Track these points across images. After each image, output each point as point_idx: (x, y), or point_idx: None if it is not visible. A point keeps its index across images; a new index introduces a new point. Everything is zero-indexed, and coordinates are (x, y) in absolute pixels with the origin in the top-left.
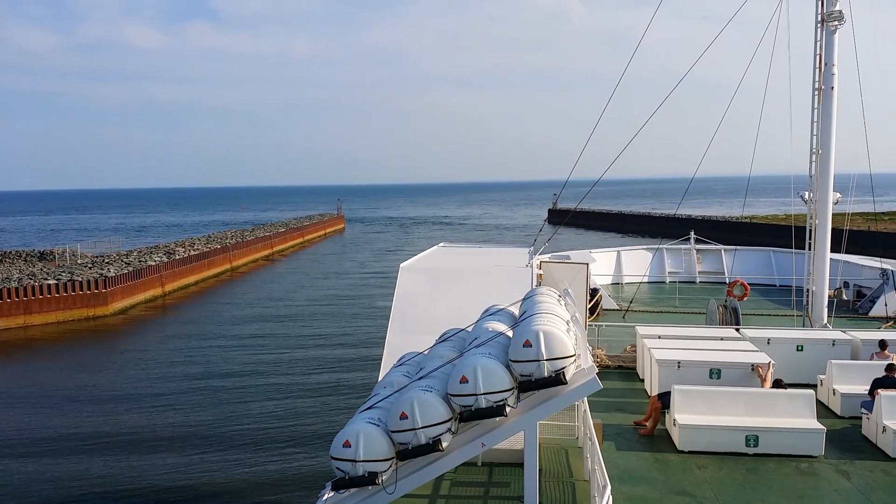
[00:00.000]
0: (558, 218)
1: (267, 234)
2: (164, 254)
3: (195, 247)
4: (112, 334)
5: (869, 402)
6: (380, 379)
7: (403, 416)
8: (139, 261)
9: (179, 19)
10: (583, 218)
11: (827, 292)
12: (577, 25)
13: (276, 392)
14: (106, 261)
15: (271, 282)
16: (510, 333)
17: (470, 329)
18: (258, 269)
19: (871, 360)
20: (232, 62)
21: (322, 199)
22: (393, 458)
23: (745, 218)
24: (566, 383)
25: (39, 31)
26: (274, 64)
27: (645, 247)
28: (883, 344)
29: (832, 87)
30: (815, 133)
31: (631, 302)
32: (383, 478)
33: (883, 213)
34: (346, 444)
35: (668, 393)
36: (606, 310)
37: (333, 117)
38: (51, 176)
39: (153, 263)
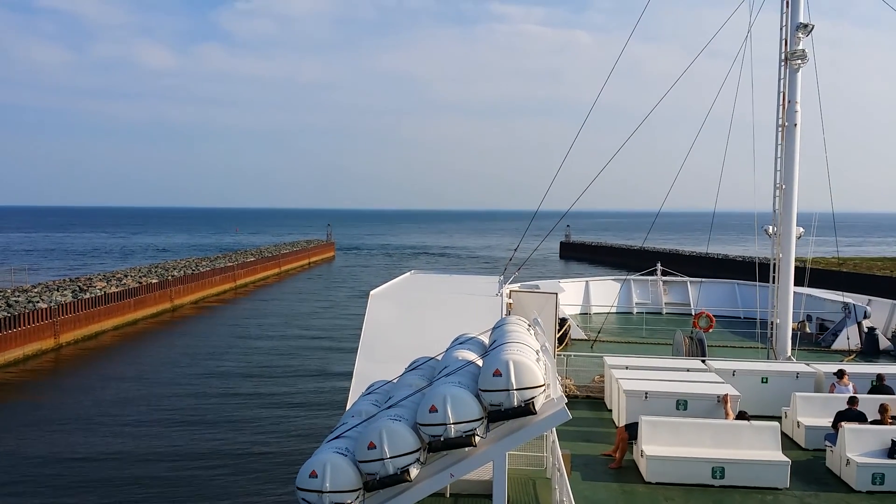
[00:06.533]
0: (570, 251)
1: (230, 264)
2: (75, 290)
3: (123, 281)
4: None
5: (833, 435)
6: (348, 408)
7: (371, 446)
8: (29, 301)
9: (192, 41)
10: (592, 252)
11: (791, 325)
12: (585, 58)
13: (237, 423)
14: None
15: (220, 327)
16: (480, 362)
17: (440, 358)
18: (210, 309)
19: (831, 390)
20: (242, 85)
21: (326, 223)
22: (360, 488)
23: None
24: (536, 413)
25: (51, 47)
26: (283, 87)
27: (613, 277)
28: (841, 373)
29: (795, 124)
30: (778, 168)
31: (599, 332)
32: None
33: (846, 258)
34: (313, 475)
35: (636, 424)
36: (575, 339)
37: (343, 142)
38: (60, 192)
39: (44, 306)
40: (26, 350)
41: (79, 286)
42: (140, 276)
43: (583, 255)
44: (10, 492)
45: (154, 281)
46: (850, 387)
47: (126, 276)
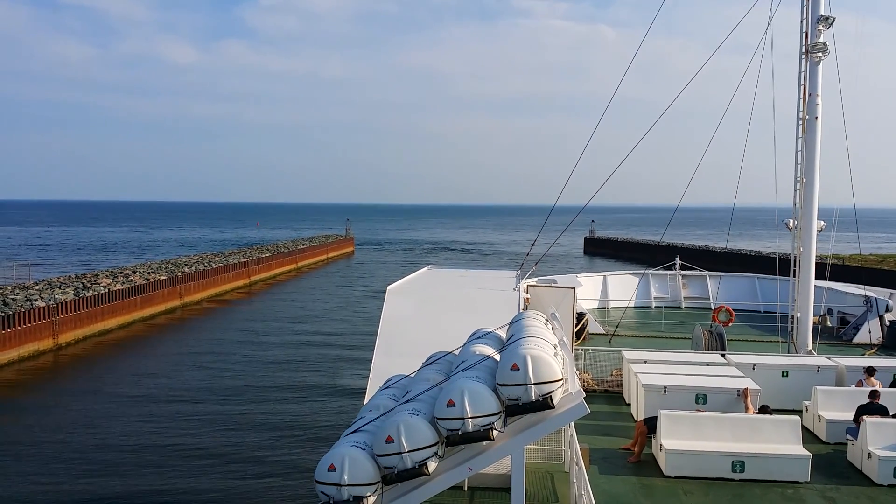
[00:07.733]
0: (595, 247)
1: (244, 259)
2: (78, 287)
3: (130, 277)
4: None
5: (854, 429)
6: (366, 402)
7: (389, 440)
8: (27, 299)
9: (215, 37)
10: (617, 248)
11: (811, 319)
12: (609, 53)
13: (256, 415)
14: None
15: (228, 329)
16: (497, 357)
17: (457, 352)
18: (220, 308)
19: (857, 386)
20: (265, 81)
21: (349, 217)
22: (378, 482)
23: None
24: (554, 407)
25: (75, 43)
26: (306, 83)
27: (631, 272)
28: (871, 370)
29: (816, 117)
30: (799, 162)
31: (617, 326)
32: (368, 502)
33: (870, 255)
34: (332, 468)
35: (655, 418)
36: (593, 334)
37: (366, 137)
38: (82, 187)
39: (42, 304)
40: (21, 351)
41: (83, 283)
42: (149, 273)
43: (607, 251)
44: None
45: (163, 278)
46: (877, 385)
47: (134, 272)
